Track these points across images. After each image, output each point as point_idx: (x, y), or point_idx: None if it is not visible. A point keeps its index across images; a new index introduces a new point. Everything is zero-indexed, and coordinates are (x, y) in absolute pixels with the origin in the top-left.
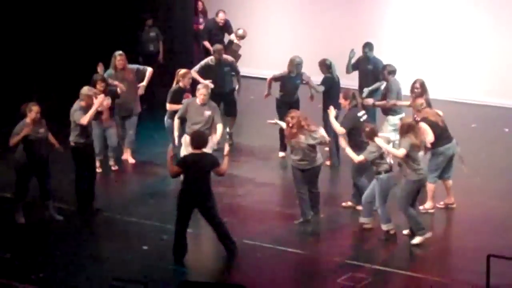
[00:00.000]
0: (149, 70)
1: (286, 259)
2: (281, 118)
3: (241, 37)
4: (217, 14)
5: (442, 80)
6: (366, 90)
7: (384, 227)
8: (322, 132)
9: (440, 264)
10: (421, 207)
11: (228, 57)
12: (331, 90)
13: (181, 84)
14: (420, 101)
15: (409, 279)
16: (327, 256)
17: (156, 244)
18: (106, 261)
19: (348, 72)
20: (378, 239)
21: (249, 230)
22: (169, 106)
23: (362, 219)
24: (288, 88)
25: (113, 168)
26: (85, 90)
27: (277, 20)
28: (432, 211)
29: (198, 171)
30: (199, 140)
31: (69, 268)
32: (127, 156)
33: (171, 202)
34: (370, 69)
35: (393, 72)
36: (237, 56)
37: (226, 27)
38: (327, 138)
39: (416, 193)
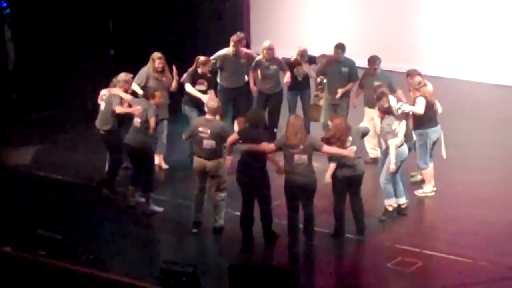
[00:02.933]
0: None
1: (335, 244)
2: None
3: None
4: None
5: (490, 63)
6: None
7: (386, 202)
8: None
9: (489, 249)
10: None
11: (244, 50)
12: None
13: (199, 70)
14: (418, 79)
15: (459, 264)
16: (376, 241)
17: (206, 227)
18: (157, 244)
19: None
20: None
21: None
22: (187, 87)
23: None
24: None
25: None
26: (122, 76)
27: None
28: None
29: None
30: (255, 117)
31: (119, 250)
32: (160, 162)
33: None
34: (344, 71)
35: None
36: None
37: None
38: None
39: (296, 197)
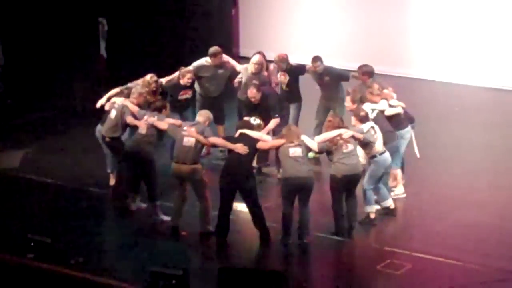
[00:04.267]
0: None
1: (324, 246)
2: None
3: None
4: None
5: (479, 66)
6: None
7: (368, 208)
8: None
9: (478, 251)
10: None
11: (224, 59)
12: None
13: (182, 81)
14: (376, 86)
15: (448, 266)
16: (365, 243)
17: (195, 229)
18: (146, 247)
19: None
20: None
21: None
22: None
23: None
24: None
25: None
26: (139, 88)
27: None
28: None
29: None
30: (244, 126)
31: (108, 254)
32: None
33: (210, 188)
34: (327, 80)
35: (369, 73)
36: None
37: None
38: None
39: (294, 194)
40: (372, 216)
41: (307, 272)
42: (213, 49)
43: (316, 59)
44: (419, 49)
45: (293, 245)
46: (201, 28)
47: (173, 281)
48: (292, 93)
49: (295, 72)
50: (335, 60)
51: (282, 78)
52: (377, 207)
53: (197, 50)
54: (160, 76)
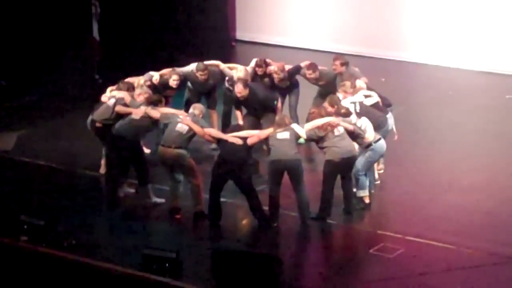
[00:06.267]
0: None
1: (318, 230)
2: None
3: None
4: None
5: (473, 50)
6: None
7: (361, 193)
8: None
9: (470, 235)
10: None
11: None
12: None
13: (170, 83)
14: (348, 83)
15: (440, 250)
16: (358, 227)
17: (188, 213)
18: (139, 230)
19: None
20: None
21: (286, 201)
22: None
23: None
24: None
25: None
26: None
27: None
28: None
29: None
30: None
31: (101, 236)
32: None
33: (202, 172)
34: (321, 84)
35: (347, 63)
36: None
37: None
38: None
39: (279, 176)
40: (367, 200)
41: (300, 255)
42: (198, 66)
43: (310, 67)
44: (413, 32)
45: (286, 228)
46: (197, 12)
47: (166, 264)
48: (291, 84)
49: (293, 74)
50: (330, 44)
51: (283, 84)
52: (373, 191)
53: (193, 34)
54: (154, 62)
